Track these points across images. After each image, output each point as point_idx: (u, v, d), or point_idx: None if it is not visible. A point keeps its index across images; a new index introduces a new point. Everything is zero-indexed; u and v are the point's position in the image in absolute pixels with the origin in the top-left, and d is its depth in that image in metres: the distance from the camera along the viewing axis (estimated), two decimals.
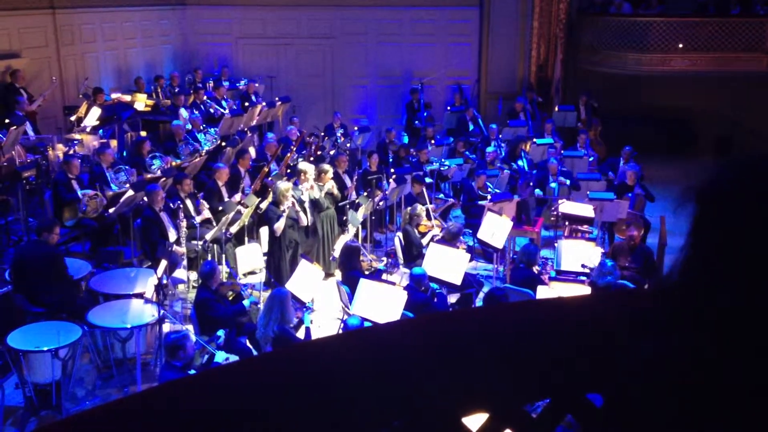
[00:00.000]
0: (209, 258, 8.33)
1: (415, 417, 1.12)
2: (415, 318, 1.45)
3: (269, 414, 1.10)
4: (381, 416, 1.12)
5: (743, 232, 0.86)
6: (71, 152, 9.82)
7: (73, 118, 11.63)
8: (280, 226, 8.20)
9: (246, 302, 7.04)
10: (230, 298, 7.16)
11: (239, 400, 1.11)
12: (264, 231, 9.21)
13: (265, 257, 8.61)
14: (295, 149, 10.92)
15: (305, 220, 8.59)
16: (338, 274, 8.47)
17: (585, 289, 6.81)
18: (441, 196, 10.99)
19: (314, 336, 6.64)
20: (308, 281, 7.29)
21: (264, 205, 9.29)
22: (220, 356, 5.90)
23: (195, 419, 1.09)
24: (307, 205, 8.85)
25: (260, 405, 1.10)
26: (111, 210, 8.55)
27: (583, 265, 7.60)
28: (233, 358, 6.08)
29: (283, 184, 8.36)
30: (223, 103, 13.34)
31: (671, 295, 0.93)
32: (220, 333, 6.14)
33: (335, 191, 9.30)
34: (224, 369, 1.36)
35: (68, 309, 6.70)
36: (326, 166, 9.35)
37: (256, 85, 14.57)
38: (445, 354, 1.15)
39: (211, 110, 13.05)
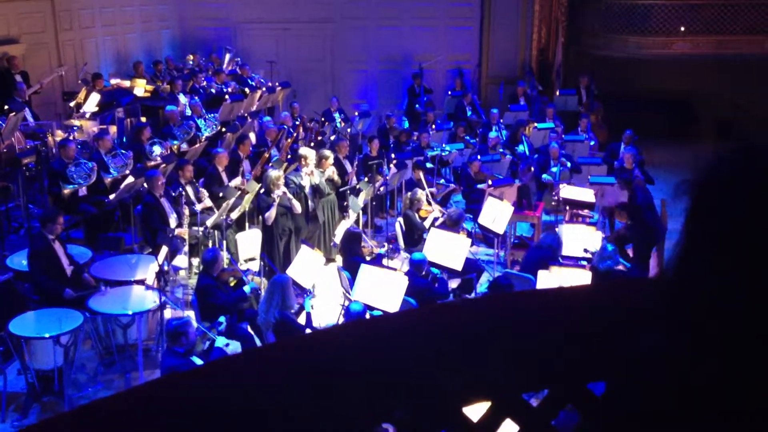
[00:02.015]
0: (210, 244, 8.33)
1: (416, 407, 1.12)
2: (416, 308, 1.45)
3: (270, 404, 1.10)
4: (382, 407, 1.12)
5: (740, 223, 0.85)
6: (71, 138, 9.80)
7: (72, 104, 11.61)
8: (271, 215, 8.12)
9: (246, 288, 7.04)
10: (232, 285, 7.17)
11: (242, 391, 1.11)
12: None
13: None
14: (296, 135, 10.89)
15: (298, 207, 8.46)
16: (339, 260, 8.47)
17: (586, 274, 6.81)
18: (442, 181, 10.96)
19: (315, 321, 6.66)
20: (309, 267, 7.30)
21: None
22: (221, 341, 5.90)
23: (199, 411, 1.09)
24: (307, 190, 8.83)
25: (262, 395, 1.10)
26: (111, 196, 8.54)
27: (585, 250, 7.60)
28: (233, 343, 6.10)
29: (274, 172, 8.28)
30: (224, 87, 13.29)
31: (670, 288, 0.93)
32: (222, 319, 6.15)
33: (336, 177, 9.28)
34: (227, 360, 1.36)
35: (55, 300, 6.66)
36: (327, 152, 9.31)
37: (246, 67, 14.52)
38: (447, 344, 1.15)
39: (213, 90, 13.00)
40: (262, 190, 8.45)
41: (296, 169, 8.98)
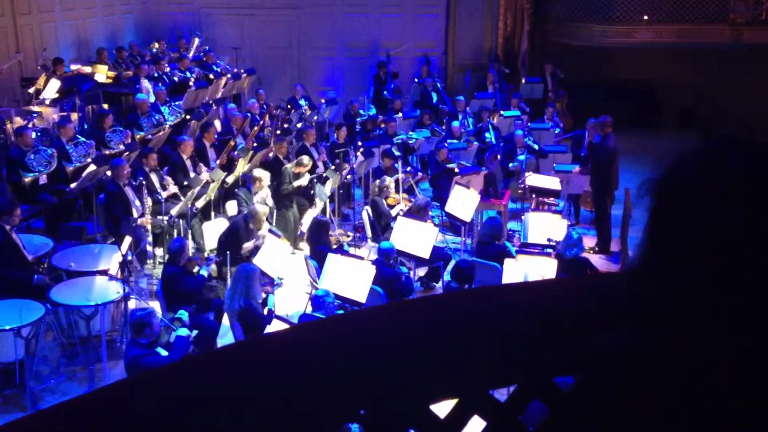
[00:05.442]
0: (175, 233, 8.22)
1: (383, 405, 1.11)
2: (383, 306, 1.44)
3: (236, 403, 1.09)
4: (349, 405, 1.11)
5: (703, 222, 0.85)
6: (30, 125, 9.56)
7: (31, 90, 11.32)
8: (249, 245, 7.69)
9: (203, 271, 6.95)
10: (197, 273, 7.08)
11: (207, 390, 1.09)
12: (230, 206, 9.12)
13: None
14: (262, 123, 10.78)
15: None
16: (306, 249, 8.43)
17: (551, 262, 6.86)
18: (408, 169, 10.96)
19: (282, 311, 6.62)
20: (276, 256, 7.25)
21: (231, 179, 9.17)
22: (183, 332, 5.78)
23: (161, 410, 1.08)
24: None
25: (228, 394, 1.09)
26: (73, 185, 8.38)
27: (549, 239, 7.66)
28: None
29: (261, 208, 7.90)
30: (188, 73, 13.10)
31: (636, 284, 0.94)
32: (181, 314, 5.98)
33: (269, 201, 8.75)
34: (195, 359, 1.34)
35: (24, 289, 6.52)
36: (262, 174, 8.79)
37: (211, 54, 14.34)
38: (414, 342, 1.14)
39: (176, 78, 12.79)
40: (234, 176, 8.24)
41: (247, 187, 8.79)
